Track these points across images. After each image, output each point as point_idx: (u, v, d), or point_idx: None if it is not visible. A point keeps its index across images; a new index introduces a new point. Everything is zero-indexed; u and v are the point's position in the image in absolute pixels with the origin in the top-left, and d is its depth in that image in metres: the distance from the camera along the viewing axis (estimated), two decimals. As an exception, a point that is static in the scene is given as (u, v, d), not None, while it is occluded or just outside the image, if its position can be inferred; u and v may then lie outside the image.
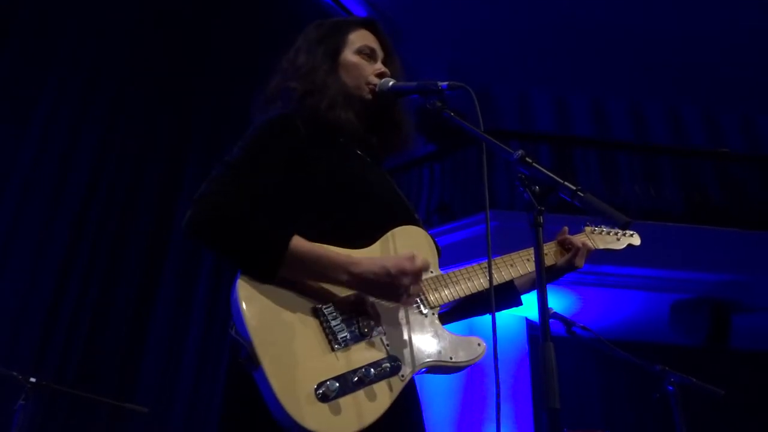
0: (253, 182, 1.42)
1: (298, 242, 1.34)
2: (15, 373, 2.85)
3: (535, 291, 1.18)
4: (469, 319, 1.69)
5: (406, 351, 1.39)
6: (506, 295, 1.71)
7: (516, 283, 1.71)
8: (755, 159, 7.90)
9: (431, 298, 1.50)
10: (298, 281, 1.35)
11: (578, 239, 1.76)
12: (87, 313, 4.53)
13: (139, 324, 4.81)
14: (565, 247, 1.74)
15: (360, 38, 1.71)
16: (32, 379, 2.85)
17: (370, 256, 1.41)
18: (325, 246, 1.37)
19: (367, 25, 1.76)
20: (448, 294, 1.52)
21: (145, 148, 5.28)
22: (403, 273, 1.35)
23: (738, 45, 7.95)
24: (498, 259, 1.66)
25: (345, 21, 1.78)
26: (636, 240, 1.95)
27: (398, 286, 1.35)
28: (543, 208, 1.22)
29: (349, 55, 1.67)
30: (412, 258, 1.38)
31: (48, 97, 4.78)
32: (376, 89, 1.63)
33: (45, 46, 4.86)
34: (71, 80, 4.96)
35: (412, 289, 1.39)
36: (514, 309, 1.75)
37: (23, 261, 4.30)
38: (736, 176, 7.56)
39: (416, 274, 1.38)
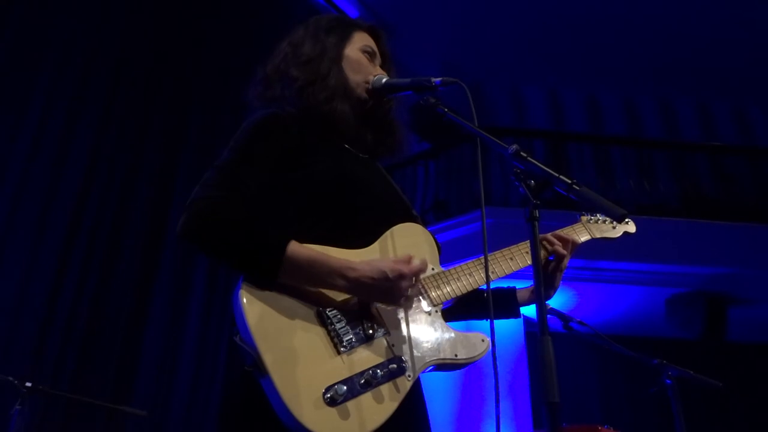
0: (246, 184, 1.40)
1: (295, 247, 1.32)
2: (11, 378, 2.82)
3: (534, 302, 1.17)
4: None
5: (412, 350, 1.39)
6: (507, 304, 1.71)
7: (518, 295, 1.71)
8: (750, 152, 7.93)
9: (433, 295, 1.49)
10: (297, 286, 1.34)
11: (554, 235, 1.69)
12: (83, 317, 4.50)
13: (136, 327, 4.78)
14: (545, 248, 1.68)
15: (364, 39, 1.72)
16: (28, 384, 2.82)
17: (367, 260, 1.39)
18: (322, 251, 1.36)
19: (371, 30, 1.77)
20: (450, 291, 1.52)
21: (139, 149, 5.24)
22: (400, 276, 1.34)
23: (730, 38, 7.97)
24: (497, 253, 1.66)
25: (352, 20, 1.81)
26: (631, 227, 1.92)
27: (397, 289, 1.34)
28: (539, 202, 1.22)
29: (353, 51, 1.67)
30: (408, 260, 1.37)
31: (41, 96, 4.72)
32: (370, 86, 1.63)
33: (39, 43, 4.82)
34: (67, 77, 4.92)
35: (411, 291, 1.38)
36: None
37: (18, 264, 4.27)
38: (730, 169, 7.59)
39: (414, 276, 1.37)
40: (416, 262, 1.37)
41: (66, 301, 4.44)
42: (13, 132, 4.50)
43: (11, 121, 4.51)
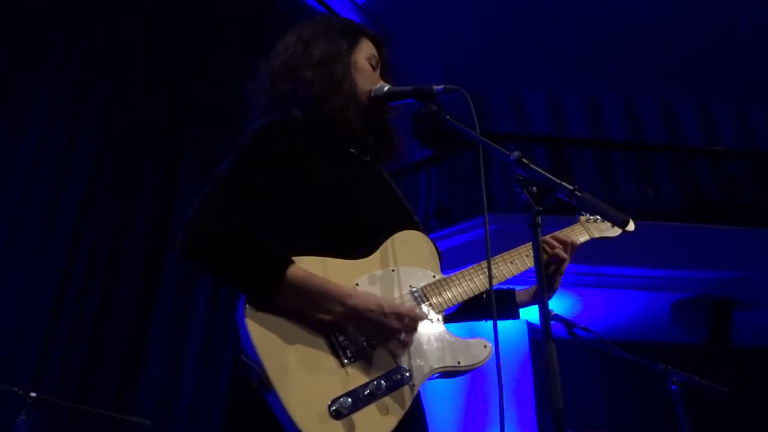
0: (246, 196, 1.40)
1: (295, 270, 1.31)
2: (15, 388, 2.82)
3: (535, 304, 1.16)
4: (470, 323, 1.69)
5: (415, 359, 1.39)
6: (505, 306, 1.72)
7: (517, 297, 1.72)
8: (752, 155, 7.92)
9: (435, 302, 1.49)
10: (295, 307, 1.33)
11: (554, 237, 1.70)
12: (87, 327, 4.49)
13: (140, 336, 4.78)
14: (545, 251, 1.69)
15: (369, 47, 1.72)
16: (33, 394, 2.82)
17: (367, 291, 1.40)
18: (323, 276, 1.35)
19: (375, 39, 1.77)
20: (451, 297, 1.52)
21: (141, 153, 5.22)
22: (397, 315, 1.33)
23: (731, 39, 7.98)
24: (497, 257, 1.66)
25: (360, 25, 1.80)
26: (630, 225, 1.93)
27: (389, 327, 1.33)
28: (541, 209, 1.22)
29: (362, 59, 1.68)
30: (412, 308, 1.39)
31: (42, 97, 4.72)
32: (372, 94, 1.64)
33: (40, 43, 4.82)
34: (67, 78, 4.91)
35: (403, 335, 1.36)
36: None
37: (21, 274, 4.28)
38: (733, 173, 7.58)
39: (409, 319, 1.35)
40: (416, 309, 1.40)
41: (70, 311, 4.44)
42: (15, 132, 4.51)
43: (14, 122, 4.52)
